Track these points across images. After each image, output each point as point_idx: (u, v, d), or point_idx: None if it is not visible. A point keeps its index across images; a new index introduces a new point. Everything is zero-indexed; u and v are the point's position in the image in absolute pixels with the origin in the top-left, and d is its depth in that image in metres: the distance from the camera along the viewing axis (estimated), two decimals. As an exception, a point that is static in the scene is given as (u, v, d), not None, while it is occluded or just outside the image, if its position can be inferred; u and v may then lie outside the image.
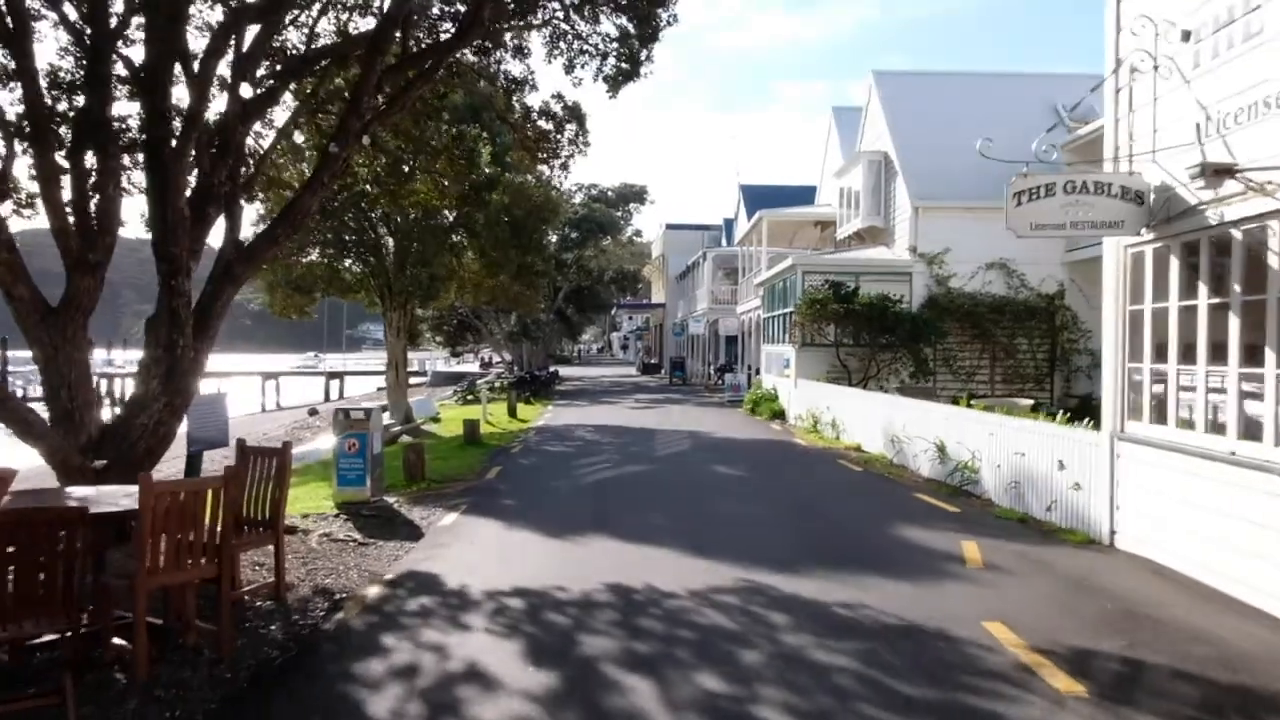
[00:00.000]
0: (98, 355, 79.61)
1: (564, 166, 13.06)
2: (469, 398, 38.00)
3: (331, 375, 73.40)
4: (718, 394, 36.32)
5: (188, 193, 8.38)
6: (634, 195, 60.14)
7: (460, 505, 11.55)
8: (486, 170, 17.48)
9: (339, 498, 11.50)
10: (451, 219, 26.74)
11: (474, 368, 75.24)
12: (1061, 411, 11.93)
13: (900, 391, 19.07)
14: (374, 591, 7.41)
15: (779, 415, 24.55)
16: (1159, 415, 8.29)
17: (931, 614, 6.53)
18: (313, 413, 48.53)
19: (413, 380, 74.97)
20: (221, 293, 8.37)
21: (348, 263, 26.45)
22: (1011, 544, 8.96)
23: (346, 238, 25.61)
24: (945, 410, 13.46)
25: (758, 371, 32.02)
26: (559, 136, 12.63)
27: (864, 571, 7.79)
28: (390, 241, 26.37)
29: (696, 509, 11.18)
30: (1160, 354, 8.21)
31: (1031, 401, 16.27)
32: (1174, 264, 8.00)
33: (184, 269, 7.82)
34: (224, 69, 9.74)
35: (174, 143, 7.70)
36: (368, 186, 17.50)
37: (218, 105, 9.82)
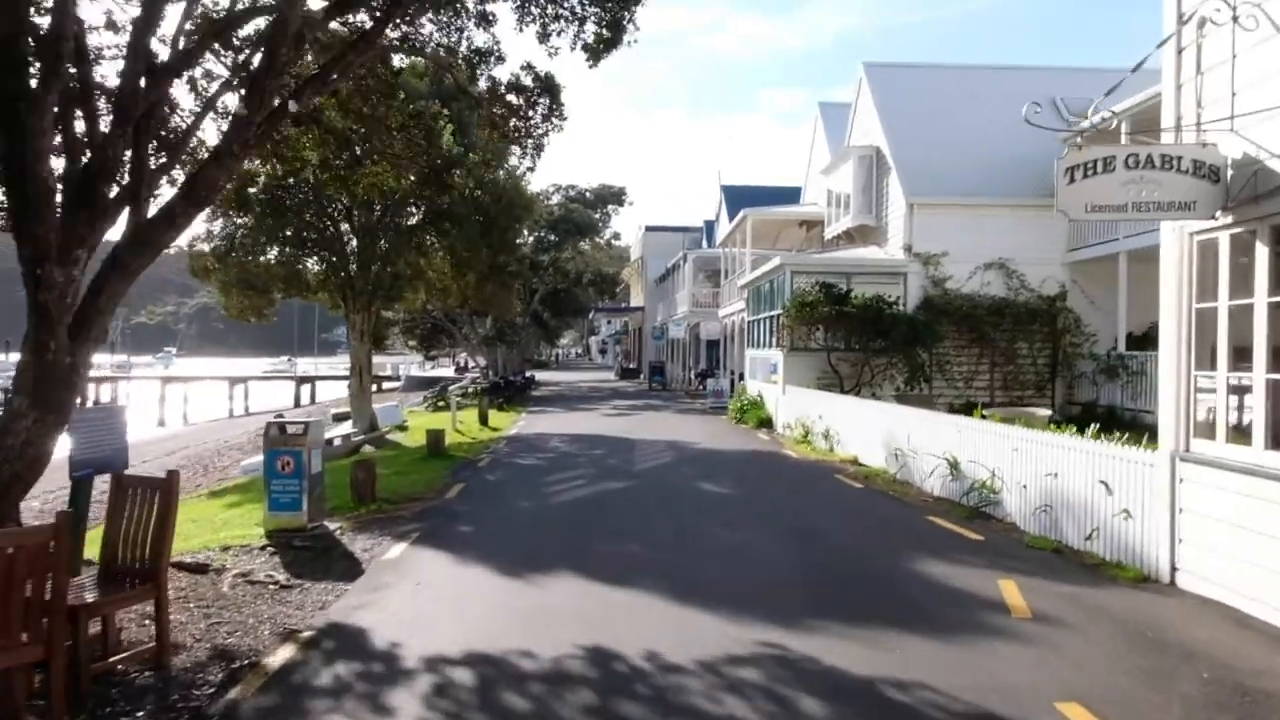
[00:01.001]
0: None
1: (537, 147, 11.61)
2: (440, 404, 36.42)
3: (302, 380, 71.44)
4: (699, 400, 34.93)
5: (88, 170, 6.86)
6: (612, 196, 58.79)
7: (412, 533, 10.05)
8: (449, 150, 15.94)
9: (270, 524, 9.97)
10: (418, 216, 25.25)
11: (450, 372, 73.38)
12: (1093, 426, 10.61)
13: (897, 399, 17.76)
14: (283, 656, 5.90)
15: (766, 423, 23.19)
16: (1239, 433, 6.95)
17: (991, 690, 5.13)
18: (279, 418, 46.87)
19: (386, 385, 73.81)
20: (106, 286, 6.84)
21: (310, 262, 24.87)
22: (1056, 584, 7.59)
23: (306, 235, 24.04)
24: (957, 422, 12.10)
25: (741, 377, 30.66)
26: (530, 113, 11.17)
27: (893, 625, 6.38)
28: (354, 240, 24.84)
29: (683, 536, 9.75)
30: (1242, 359, 6.88)
31: (1049, 412, 15.00)
32: (1261, 252, 6.66)
33: (52, 255, 6.30)
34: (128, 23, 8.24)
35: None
36: (314, 171, 15.95)
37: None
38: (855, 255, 23.04)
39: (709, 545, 9.32)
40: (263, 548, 9.16)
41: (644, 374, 55.38)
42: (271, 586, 7.63)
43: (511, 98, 11.19)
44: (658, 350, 55.00)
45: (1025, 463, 10.08)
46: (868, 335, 19.91)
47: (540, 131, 11.44)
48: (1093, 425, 10.46)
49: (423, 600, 7.23)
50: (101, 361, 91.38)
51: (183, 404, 63.07)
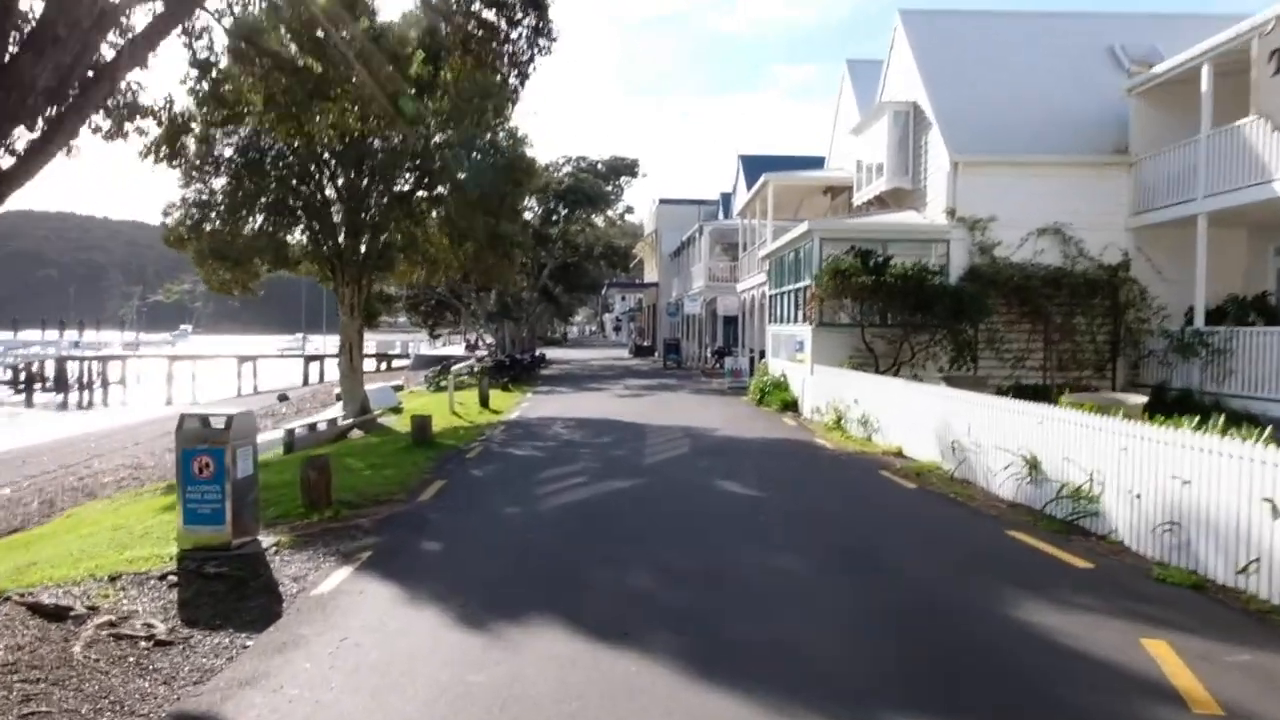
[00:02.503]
0: (57, 336, 75.78)
1: (521, 75, 9.52)
2: (441, 384, 34.41)
3: (311, 358, 69.55)
4: (716, 379, 32.81)
5: None
6: (625, 168, 56.22)
7: (363, 552, 8.01)
8: (419, 71, 13.66)
9: (186, 541, 7.93)
10: (410, 182, 23.11)
11: (461, 350, 71.32)
12: (1222, 418, 8.43)
13: (946, 381, 15.57)
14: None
15: (791, 407, 21.06)
16: None
17: None
18: (283, 398, 44.91)
19: (396, 363, 71.81)
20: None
21: (297, 232, 22.78)
22: (1225, 646, 5.45)
23: (288, 201, 21.95)
24: (1039, 411, 9.91)
25: (762, 355, 28.50)
26: (512, 32, 9.00)
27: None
28: (340, 207, 22.74)
29: (705, 562, 7.65)
30: None
31: (1144, 399, 12.75)
32: None
33: None
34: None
35: None
36: (260, 116, 13.77)
37: None
38: (892, 220, 20.77)
39: (739, 577, 7.21)
40: (164, 576, 7.13)
41: (658, 352, 53.27)
42: (143, 644, 5.59)
43: (489, 13, 9.00)
44: (672, 327, 52.82)
45: (1138, 466, 7.92)
46: (907, 309, 17.68)
47: (526, 57, 9.27)
48: (1190, 417, 8.31)
49: (340, 675, 5.13)
50: (111, 339, 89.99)
51: (191, 383, 61.71)
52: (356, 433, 21.83)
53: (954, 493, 10.63)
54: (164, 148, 13.66)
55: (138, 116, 10.10)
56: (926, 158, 21.04)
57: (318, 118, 11.25)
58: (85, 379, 63.33)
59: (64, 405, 56.21)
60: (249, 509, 8.31)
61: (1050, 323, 19.07)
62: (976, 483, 11.00)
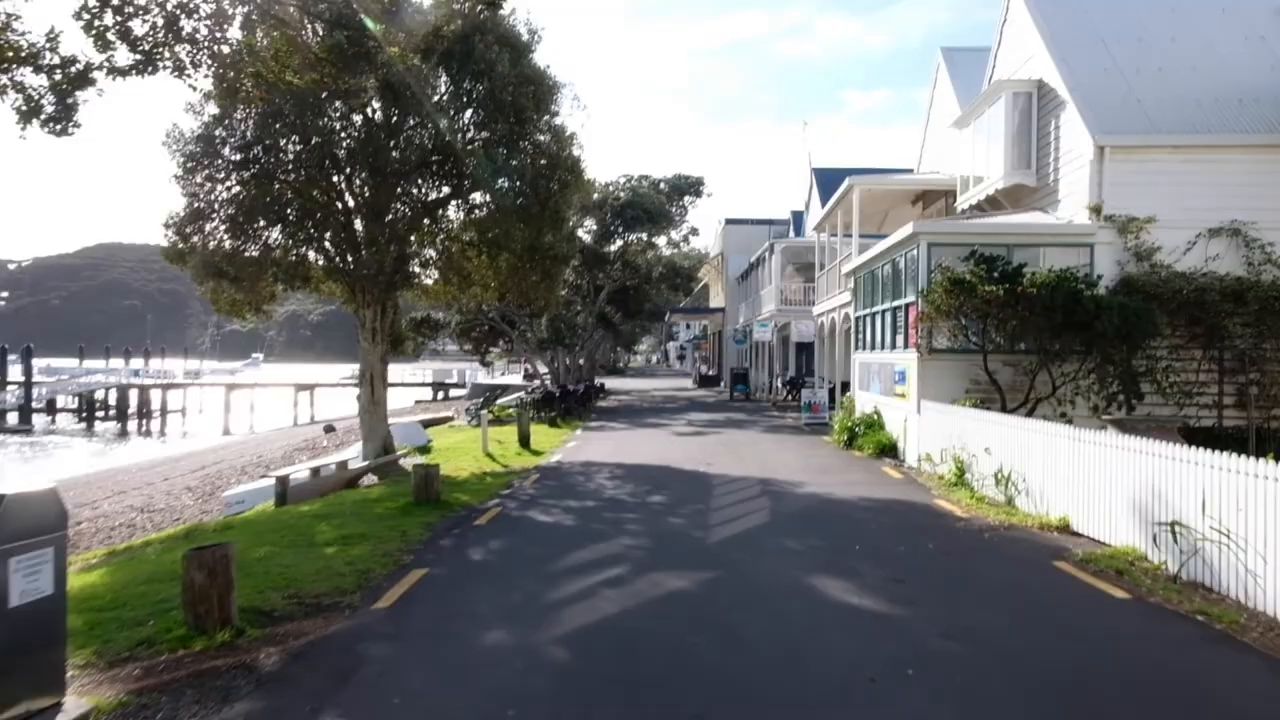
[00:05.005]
0: (123, 364, 75.16)
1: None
2: (487, 417, 31.19)
3: (366, 387, 67.39)
4: (791, 414, 28.98)
5: None
6: (689, 186, 52.64)
7: (214, 744, 4.55)
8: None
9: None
10: (439, 189, 19.99)
11: (519, 379, 68.27)
12: None
13: (1116, 425, 11.59)
14: None
15: (888, 451, 17.20)
16: None
17: None
18: (329, 429, 42.35)
19: (454, 393, 69.18)
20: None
21: (302, 246, 19.81)
22: None
23: (300, 207, 19.00)
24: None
25: (844, 387, 24.63)
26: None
27: None
28: (359, 215, 19.72)
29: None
30: None
31: None
32: None
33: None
34: None
35: None
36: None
37: None
38: (1022, 221, 16.84)
39: None
40: None
41: (724, 382, 49.49)
42: None
43: None
44: (739, 355, 49.03)
45: None
46: (1049, 330, 13.76)
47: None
48: None
49: None
50: (175, 368, 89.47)
51: (249, 411, 60.29)
52: (370, 478, 18.63)
53: (1199, 612, 6.73)
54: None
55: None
56: (1056, 146, 17.12)
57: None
58: (145, 407, 62.41)
59: (124, 433, 55.18)
60: (39, 658, 4.92)
61: (1229, 348, 14.92)
62: (1224, 591, 7.11)
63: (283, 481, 15.53)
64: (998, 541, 9.39)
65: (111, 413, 63.57)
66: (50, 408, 61.84)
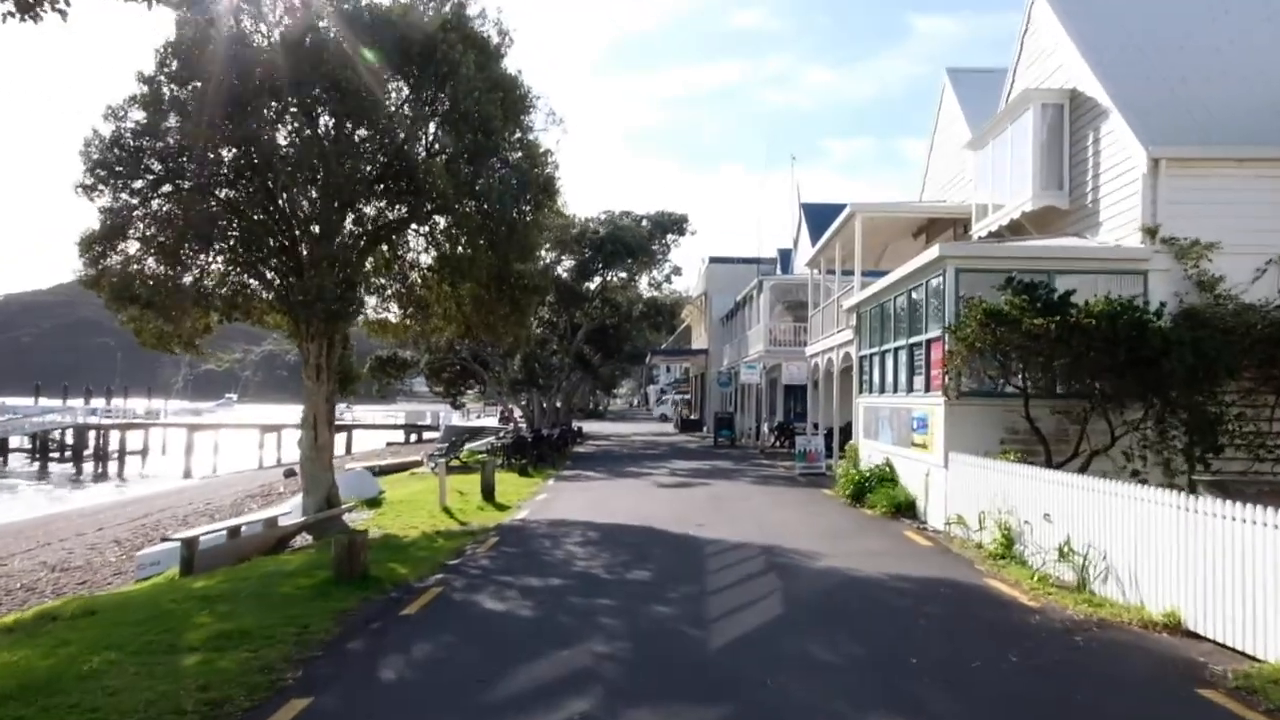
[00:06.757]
0: (82, 404, 71.84)
1: None
2: (449, 464, 28.52)
3: (339, 428, 64.28)
4: (781, 462, 26.58)
5: None
6: (672, 224, 50.49)
7: None
8: None
9: None
10: (394, 209, 17.60)
11: (494, 422, 65.50)
12: None
13: (1217, 488, 9.28)
14: None
15: (904, 510, 14.82)
16: None
17: None
18: (290, 474, 39.52)
19: (427, 435, 66.10)
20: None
21: (232, 269, 17.34)
22: None
23: (237, 225, 16.59)
24: None
25: (844, 434, 22.29)
26: None
27: None
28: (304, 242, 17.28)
29: None
30: None
31: None
32: None
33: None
34: None
35: None
36: None
37: None
38: (1062, 244, 14.67)
39: None
40: None
41: (707, 426, 47.07)
42: None
43: None
44: (724, 399, 46.70)
45: None
46: (1110, 369, 11.49)
47: None
48: None
49: None
50: (136, 408, 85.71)
51: (213, 453, 57.08)
52: (304, 537, 16.03)
53: None
54: None
55: None
56: (1095, 162, 15.04)
57: None
58: (102, 448, 59.19)
59: (78, 475, 51.96)
60: None
61: (1310, 393, 12.71)
62: None
63: (189, 545, 12.90)
64: (1099, 650, 6.97)
65: (68, 454, 60.38)
66: (1, 448, 58.43)
